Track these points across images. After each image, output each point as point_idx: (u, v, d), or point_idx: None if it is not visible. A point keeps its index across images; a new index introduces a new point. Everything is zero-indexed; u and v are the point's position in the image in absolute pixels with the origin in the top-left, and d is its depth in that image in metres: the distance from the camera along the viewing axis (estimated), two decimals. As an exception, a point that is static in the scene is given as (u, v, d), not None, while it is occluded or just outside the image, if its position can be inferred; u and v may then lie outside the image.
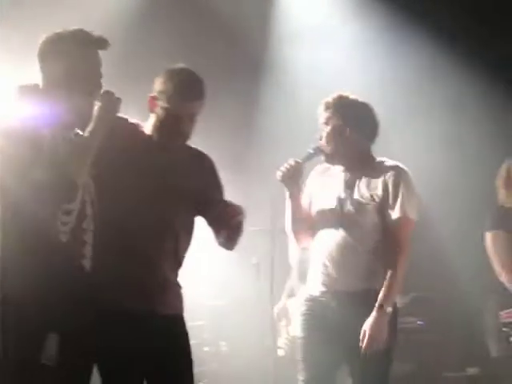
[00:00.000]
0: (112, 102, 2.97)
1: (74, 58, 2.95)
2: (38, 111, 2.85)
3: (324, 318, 3.79)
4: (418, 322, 6.81)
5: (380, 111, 3.93)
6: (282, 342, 6.02)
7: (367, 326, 3.73)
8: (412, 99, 6.86)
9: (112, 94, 2.99)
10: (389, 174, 3.85)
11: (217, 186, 3.40)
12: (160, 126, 3.23)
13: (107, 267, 3.01)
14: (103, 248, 3.01)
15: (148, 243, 3.18)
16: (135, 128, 3.28)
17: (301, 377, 3.82)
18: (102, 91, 2.99)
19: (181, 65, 3.28)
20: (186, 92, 3.20)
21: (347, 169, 3.91)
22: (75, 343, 2.85)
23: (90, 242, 2.95)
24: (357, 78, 6.61)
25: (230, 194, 3.46)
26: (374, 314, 3.75)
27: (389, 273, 3.81)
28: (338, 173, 3.93)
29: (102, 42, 3.03)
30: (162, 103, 3.21)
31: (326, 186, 3.93)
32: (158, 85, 3.24)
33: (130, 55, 5.75)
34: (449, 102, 6.99)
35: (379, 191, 3.84)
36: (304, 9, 6.98)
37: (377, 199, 3.83)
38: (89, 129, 2.90)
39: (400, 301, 6.97)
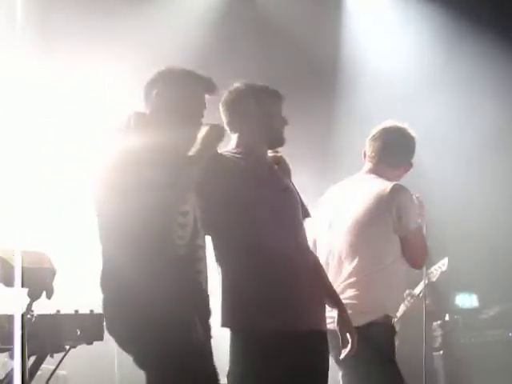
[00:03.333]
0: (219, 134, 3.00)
1: (183, 97, 3.02)
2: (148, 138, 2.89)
3: None
4: (510, 334, 6.68)
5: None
6: None
7: None
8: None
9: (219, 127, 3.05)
10: None
11: None
12: (262, 133, 3.19)
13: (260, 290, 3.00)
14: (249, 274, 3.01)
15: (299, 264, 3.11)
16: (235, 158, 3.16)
17: None
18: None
19: None
20: (269, 90, 3.23)
21: None
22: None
23: (204, 258, 2.98)
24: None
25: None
26: None
27: None
28: None
29: (212, 89, 3.07)
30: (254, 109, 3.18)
31: None
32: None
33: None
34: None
35: None
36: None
37: None
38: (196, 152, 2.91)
39: (486, 313, 6.88)
